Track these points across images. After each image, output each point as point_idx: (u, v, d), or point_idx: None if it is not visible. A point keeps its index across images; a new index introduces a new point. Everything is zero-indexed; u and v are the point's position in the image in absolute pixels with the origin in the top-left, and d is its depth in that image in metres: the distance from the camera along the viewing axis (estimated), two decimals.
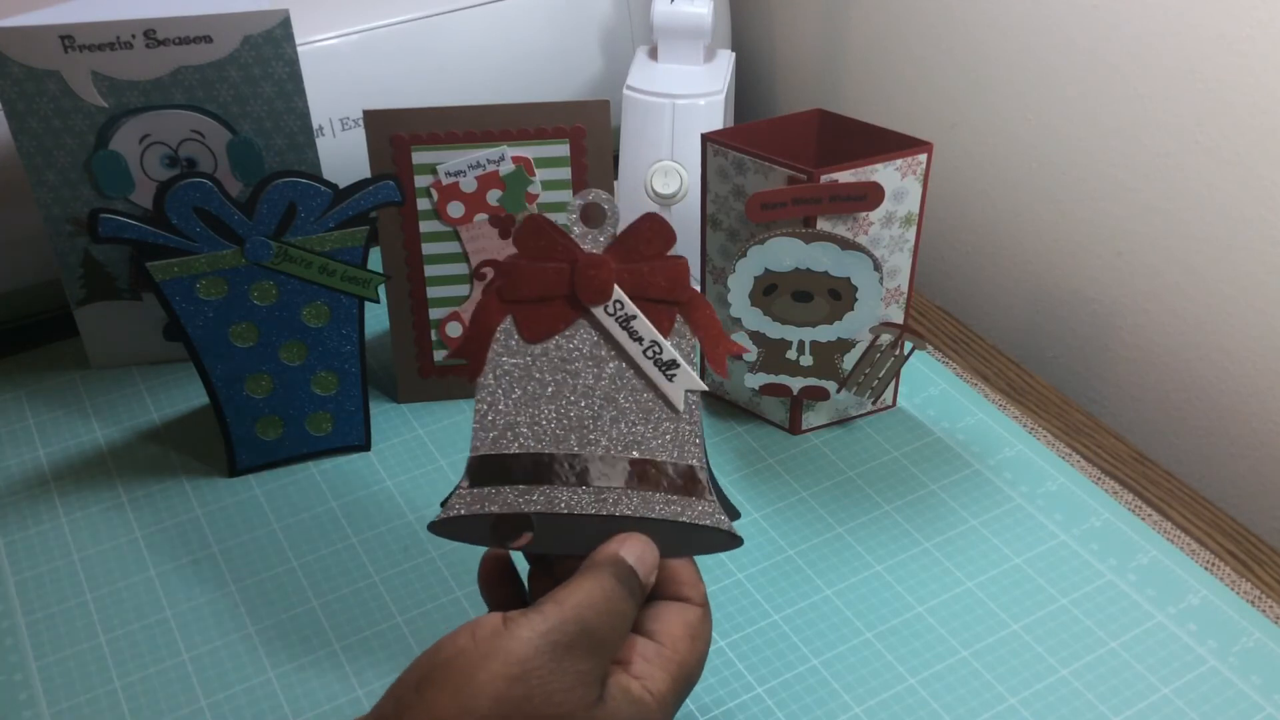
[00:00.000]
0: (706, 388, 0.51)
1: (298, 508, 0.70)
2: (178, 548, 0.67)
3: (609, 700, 0.45)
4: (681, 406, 0.51)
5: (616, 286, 0.51)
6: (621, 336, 0.51)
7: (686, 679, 0.48)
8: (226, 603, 0.64)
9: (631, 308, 0.51)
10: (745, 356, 0.70)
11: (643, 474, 0.51)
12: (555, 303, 0.51)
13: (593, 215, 0.51)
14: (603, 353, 0.51)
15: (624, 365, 0.51)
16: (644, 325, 0.51)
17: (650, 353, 0.51)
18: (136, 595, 0.64)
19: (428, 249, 0.73)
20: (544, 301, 0.51)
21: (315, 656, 0.61)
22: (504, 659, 0.43)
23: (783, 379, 0.71)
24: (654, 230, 0.50)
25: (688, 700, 0.57)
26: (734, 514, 0.52)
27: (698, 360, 0.52)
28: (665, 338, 0.51)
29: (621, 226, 0.51)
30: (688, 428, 0.51)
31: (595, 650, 0.45)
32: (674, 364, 0.51)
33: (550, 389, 0.51)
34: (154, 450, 0.74)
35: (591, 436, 0.51)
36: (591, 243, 0.51)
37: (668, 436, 0.51)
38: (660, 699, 0.46)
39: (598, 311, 0.51)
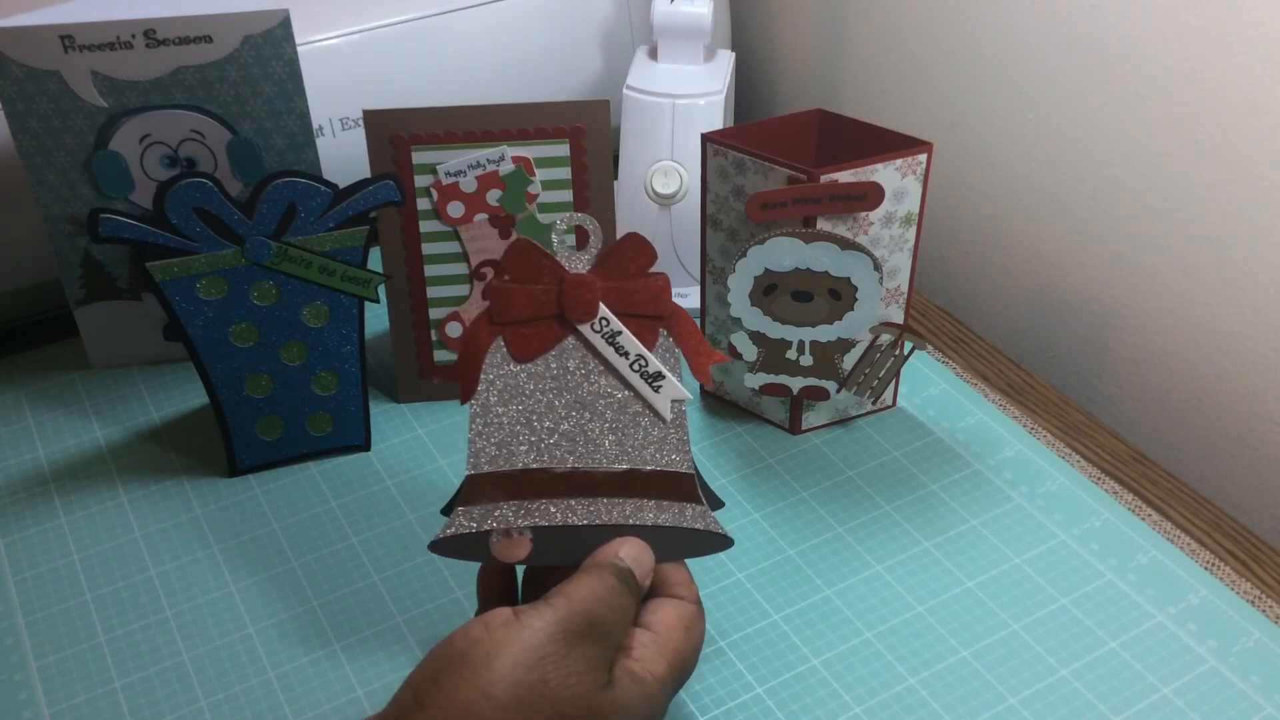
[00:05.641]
0: (691, 397, 0.54)
1: (298, 508, 0.69)
2: (178, 548, 0.67)
3: (617, 683, 0.47)
4: (669, 416, 0.53)
5: (602, 304, 0.52)
6: (608, 352, 0.53)
7: (682, 666, 0.51)
8: (226, 603, 0.64)
9: (617, 324, 0.53)
10: (745, 356, 0.70)
11: (634, 483, 0.53)
12: (544, 322, 0.53)
13: (579, 237, 0.53)
14: (591, 368, 0.53)
15: (612, 379, 0.53)
16: (629, 340, 0.53)
17: (636, 366, 0.53)
18: (136, 595, 0.64)
19: (428, 249, 0.73)
20: (533, 322, 0.53)
21: (315, 656, 0.61)
22: (520, 646, 0.46)
23: (783, 379, 0.71)
24: (636, 249, 0.53)
25: (689, 701, 0.58)
26: (717, 504, 0.54)
27: (683, 371, 0.54)
28: (650, 351, 0.53)
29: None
30: (675, 436, 0.53)
31: (602, 639, 0.48)
32: (659, 376, 0.53)
33: (542, 406, 0.53)
34: (154, 450, 0.74)
35: (584, 450, 0.53)
36: (576, 263, 0.52)
37: (656, 445, 0.53)
38: (659, 680, 0.49)
39: (585, 329, 0.53)
